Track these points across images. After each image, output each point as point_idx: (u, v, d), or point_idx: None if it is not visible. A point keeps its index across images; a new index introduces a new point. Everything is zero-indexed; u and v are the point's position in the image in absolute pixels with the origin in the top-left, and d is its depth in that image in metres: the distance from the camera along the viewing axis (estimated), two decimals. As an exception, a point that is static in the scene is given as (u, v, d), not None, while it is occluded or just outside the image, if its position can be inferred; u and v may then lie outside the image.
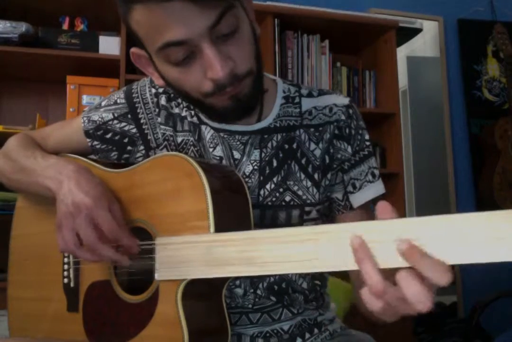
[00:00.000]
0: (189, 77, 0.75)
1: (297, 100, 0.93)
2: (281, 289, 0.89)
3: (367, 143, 0.94)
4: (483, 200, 2.89)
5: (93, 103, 2.00)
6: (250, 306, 0.88)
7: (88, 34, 2.13)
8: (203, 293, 0.76)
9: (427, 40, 3.08)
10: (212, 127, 0.89)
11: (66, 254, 0.90)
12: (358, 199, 0.92)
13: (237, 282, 0.87)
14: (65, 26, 2.15)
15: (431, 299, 0.50)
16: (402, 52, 2.89)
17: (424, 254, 0.50)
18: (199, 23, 0.68)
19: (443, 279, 0.49)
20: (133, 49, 0.81)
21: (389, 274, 0.53)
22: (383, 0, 2.94)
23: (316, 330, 0.93)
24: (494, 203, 2.81)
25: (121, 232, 0.76)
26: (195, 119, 0.90)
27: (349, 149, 0.91)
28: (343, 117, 0.91)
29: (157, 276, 0.75)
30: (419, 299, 0.50)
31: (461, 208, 2.91)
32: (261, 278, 0.87)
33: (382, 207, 0.54)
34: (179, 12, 0.67)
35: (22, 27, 1.98)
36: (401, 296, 0.51)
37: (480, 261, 0.49)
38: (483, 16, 3.10)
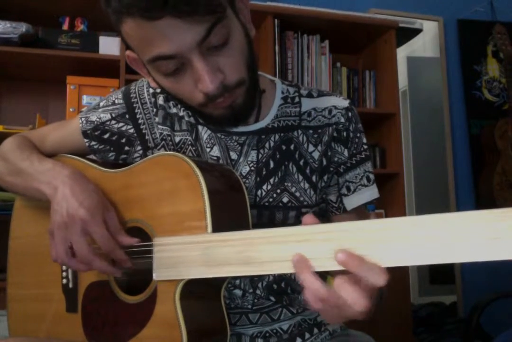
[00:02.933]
0: (180, 87, 0.76)
1: (296, 100, 0.93)
2: (281, 289, 0.89)
3: (365, 146, 0.94)
4: (483, 200, 2.89)
5: (92, 104, 1.99)
6: (249, 306, 0.88)
7: (88, 35, 2.13)
8: (201, 293, 0.76)
9: (427, 41, 3.08)
10: (209, 128, 0.89)
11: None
12: (352, 202, 0.92)
13: (237, 282, 0.87)
14: (65, 27, 2.15)
15: (368, 299, 0.54)
16: (402, 53, 2.89)
17: (361, 260, 0.54)
18: (188, 38, 0.68)
19: (380, 280, 0.53)
20: (128, 52, 0.81)
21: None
22: (383, 0, 2.93)
23: (315, 330, 0.93)
24: (494, 203, 2.80)
25: (115, 246, 0.77)
26: (192, 119, 0.90)
27: (346, 152, 0.91)
28: (342, 120, 0.91)
29: (155, 276, 0.75)
30: (356, 302, 0.54)
31: (461, 208, 2.91)
32: (261, 277, 0.88)
33: (308, 219, 0.59)
34: (168, 28, 0.67)
35: (22, 27, 1.98)
36: (342, 301, 0.55)
37: (477, 259, 0.49)
38: (483, 17, 3.09)
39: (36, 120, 2.05)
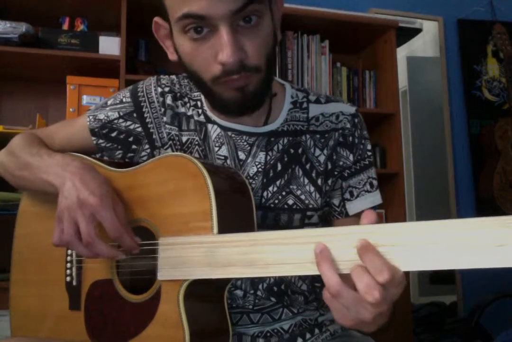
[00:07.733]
0: (200, 55, 0.76)
1: (305, 105, 0.94)
2: (280, 291, 0.89)
3: (369, 153, 0.95)
4: (483, 200, 2.89)
5: (93, 104, 1.99)
6: (250, 306, 0.88)
7: (88, 35, 2.13)
8: (205, 294, 0.76)
9: (427, 40, 3.08)
10: (219, 126, 0.89)
11: (68, 252, 0.90)
12: (354, 207, 0.93)
13: (238, 283, 0.87)
14: (65, 27, 2.15)
15: (380, 290, 0.54)
16: (402, 52, 2.89)
17: (373, 250, 0.54)
18: (224, 4, 0.70)
19: (380, 275, 0.53)
20: (157, 19, 0.83)
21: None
22: (383, 0, 2.94)
23: (316, 330, 0.93)
24: (494, 203, 2.80)
25: (124, 232, 0.76)
26: (201, 117, 0.90)
27: (351, 157, 0.92)
28: (348, 125, 0.92)
29: (159, 276, 0.75)
30: (367, 290, 0.54)
31: (461, 208, 2.91)
32: (261, 278, 0.88)
33: (368, 215, 0.58)
34: None
35: (22, 27, 1.98)
36: (356, 295, 0.54)
37: (482, 266, 0.49)
38: (483, 16, 3.10)
39: (36, 120, 2.05)
